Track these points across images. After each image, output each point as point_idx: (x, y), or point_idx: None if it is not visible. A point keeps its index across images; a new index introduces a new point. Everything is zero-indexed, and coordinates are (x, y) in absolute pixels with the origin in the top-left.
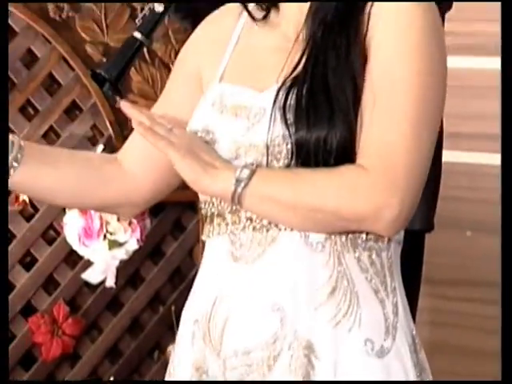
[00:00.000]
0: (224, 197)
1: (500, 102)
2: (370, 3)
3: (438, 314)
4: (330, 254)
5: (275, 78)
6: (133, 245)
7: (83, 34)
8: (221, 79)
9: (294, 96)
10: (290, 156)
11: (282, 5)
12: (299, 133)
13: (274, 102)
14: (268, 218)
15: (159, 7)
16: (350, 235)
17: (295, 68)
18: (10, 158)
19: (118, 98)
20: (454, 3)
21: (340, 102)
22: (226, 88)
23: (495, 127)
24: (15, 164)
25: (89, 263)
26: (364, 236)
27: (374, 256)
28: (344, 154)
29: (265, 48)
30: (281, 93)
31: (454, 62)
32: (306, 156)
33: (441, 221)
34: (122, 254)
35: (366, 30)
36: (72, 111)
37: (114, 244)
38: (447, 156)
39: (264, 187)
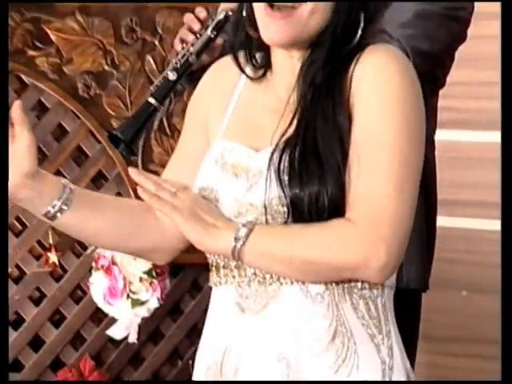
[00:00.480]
0: (226, 254)
1: (497, 172)
2: (352, 66)
3: (436, 369)
4: (329, 304)
5: (269, 138)
6: (154, 303)
7: (109, 110)
8: (223, 135)
9: (287, 158)
10: (286, 215)
11: (275, 65)
12: (293, 192)
13: (269, 164)
14: (267, 271)
15: (172, 75)
16: (346, 285)
17: (286, 130)
18: (60, 201)
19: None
20: (450, 77)
21: (329, 163)
22: (227, 145)
23: (490, 195)
24: (65, 207)
25: (113, 320)
26: (359, 285)
27: (369, 303)
28: (335, 209)
29: (261, 107)
30: (275, 155)
31: (451, 135)
32: (301, 213)
33: (437, 281)
34: (143, 311)
35: (349, 93)
36: (98, 180)
37: (137, 302)
38: (444, 221)
39: (261, 243)
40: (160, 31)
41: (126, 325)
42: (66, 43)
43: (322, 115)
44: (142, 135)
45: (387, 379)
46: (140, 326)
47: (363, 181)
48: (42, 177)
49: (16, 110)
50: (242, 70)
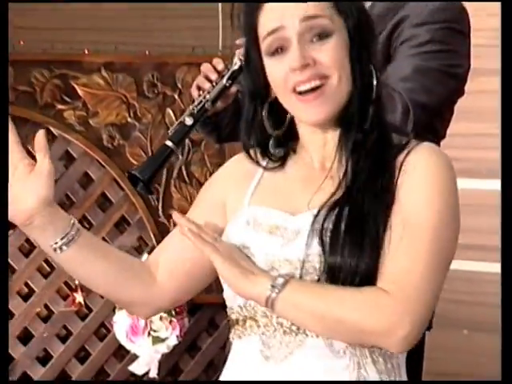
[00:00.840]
0: (259, 300)
1: (496, 217)
2: (403, 156)
3: None
4: (350, 359)
5: (305, 203)
6: (173, 340)
7: (132, 159)
8: (250, 203)
9: (333, 219)
10: (320, 272)
11: (305, 140)
12: (333, 255)
13: (313, 222)
14: (297, 324)
15: (189, 121)
16: (375, 347)
17: (335, 193)
18: (70, 234)
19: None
20: (450, 129)
21: (372, 235)
22: (258, 210)
23: (490, 239)
24: (72, 241)
25: (135, 357)
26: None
27: (387, 359)
28: (368, 277)
29: (289, 177)
30: (320, 215)
31: None
32: (336, 275)
33: (441, 320)
34: (163, 348)
35: (398, 176)
36: (121, 225)
37: (157, 340)
38: None
39: (296, 296)
40: (179, 86)
41: (147, 361)
42: (92, 97)
43: (370, 189)
44: (159, 175)
45: None
46: (160, 362)
47: (402, 258)
48: (56, 208)
49: (40, 139)
50: (259, 164)
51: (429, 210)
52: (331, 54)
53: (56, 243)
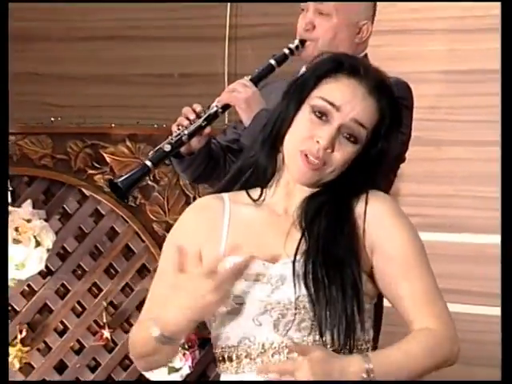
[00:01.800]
0: (356, 377)
1: (460, 264)
2: (363, 205)
3: None
4: None
5: (279, 250)
6: (186, 370)
7: (151, 216)
8: (228, 253)
9: (311, 266)
10: (310, 310)
11: (278, 190)
12: (317, 293)
13: (294, 270)
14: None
15: (167, 148)
16: None
17: (309, 243)
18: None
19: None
20: (423, 190)
21: (347, 273)
22: (238, 260)
23: (449, 284)
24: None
25: None
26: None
27: None
28: (352, 311)
29: (257, 223)
30: (298, 265)
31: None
32: (323, 308)
33: None
34: (177, 377)
35: (364, 224)
36: (142, 272)
37: (172, 369)
38: None
39: (385, 373)
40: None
41: None
42: (118, 164)
43: (337, 238)
44: (135, 187)
45: None
46: None
47: (415, 290)
48: None
49: (237, 270)
50: (251, 199)
51: (412, 248)
52: (344, 156)
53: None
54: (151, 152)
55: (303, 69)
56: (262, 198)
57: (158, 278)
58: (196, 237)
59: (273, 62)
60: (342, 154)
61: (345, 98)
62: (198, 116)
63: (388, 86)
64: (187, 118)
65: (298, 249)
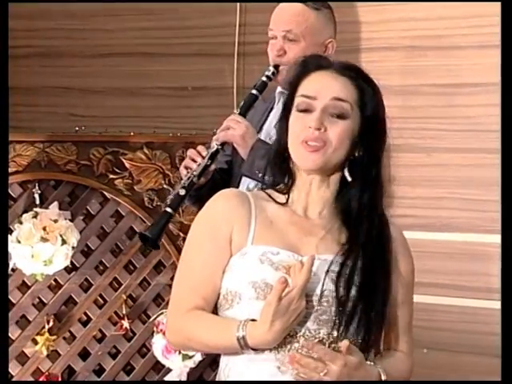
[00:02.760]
0: (371, 378)
1: (449, 261)
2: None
3: None
4: None
5: (304, 246)
6: (198, 357)
7: None
8: (255, 242)
9: (347, 269)
10: (332, 304)
11: (296, 190)
12: (346, 299)
13: (328, 268)
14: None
15: (182, 192)
16: None
17: (352, 242)
18: None
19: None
20: (412, 193)
21: (380, 285)
22: (268, 249)
23: (442, 279)
24: None
25: (169, 370)
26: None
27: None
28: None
29: (276, 218)
30: (333, 264)
31: (413, 234)
32: (346, 306)
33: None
34: (191, 363)
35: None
36: (159, 267)
37: (186, 357)
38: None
39: (389, 372)
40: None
41: (178, 373)
42: (136, 169)
43: (378, 246)
44: (162, 234)
45: None
46: (188, 374)
47: (409, 314)
48: None
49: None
50: (273, 199)
51: (413, 278)
52: (337, 131)
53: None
54: (168, 198)
55: (278, 89)
56: (290, 200)
57: (192, 256)
58: (229, 221)
59: (254, 91)
60: (336, 130)
61: (318, 87)
62: (202, 156)
63: (355, 66)
64: (193, 160)
65: (339, 250)
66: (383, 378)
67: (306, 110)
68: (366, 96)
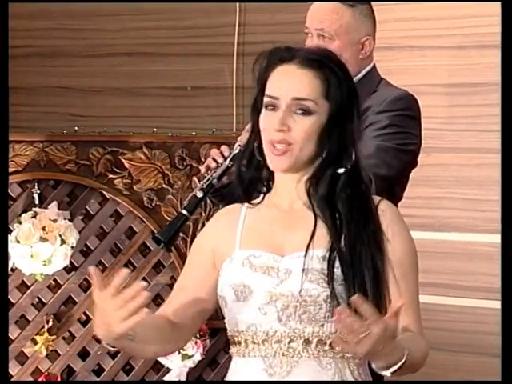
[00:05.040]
0: (395, 362)
1: (447, 261)
2: (375, 204)
3: None
4: (335, 370)
5: (287, 244)
6: (198, 357)
7: (166, 216)
8: (240, 247)
9: (332, 263)
10: (326, 300)
11: (278, 188)
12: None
13: (304, 264)
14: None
15: (200, 194)
16: (346, 356)
17: (311, 238)
18: (128, 339)
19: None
20: (412, 193)
21: (368, 266)
22: (251, 252)
23: (438, 279)
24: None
25: (168, 370)
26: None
27: (359, 368)
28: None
29: (264, 217)
30: (308, 258)
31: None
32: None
33: None
34: (190, 363)
35: (379, 222)
36: (158, 267)
37: (185, 357)
38: None
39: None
40: (203, 159)
41: (177, 373)
42: (136, 169)
43: (361, 233)
44: (177, 237)
45: None
46: (188, 374)
47: (408, 293)
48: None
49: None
50: (248, 201)
51: (411, 256)
52: (303, 128)
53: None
54: (186, 199)
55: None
56: (263, 200)
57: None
58: (212, 237)
59: None
60: (301, 128)
61: (279, 86)
62: (224, 157)
63: (322, 53)
64: (215, 161)
65: (309, 244)
66: (405, 355)
67: (273, 109)
68: (332, 86)
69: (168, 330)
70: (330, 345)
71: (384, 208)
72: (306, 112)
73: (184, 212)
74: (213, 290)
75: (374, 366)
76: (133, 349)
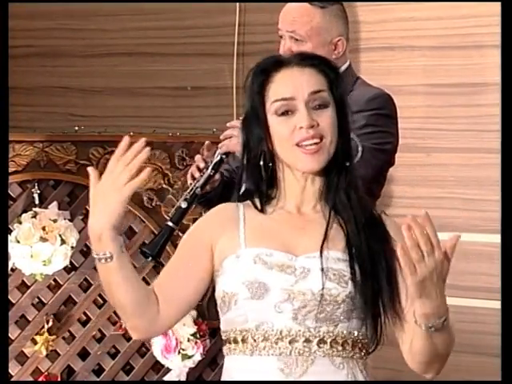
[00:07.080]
0: (441, 314)
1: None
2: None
3: None
4: (347, 370)
5: (299, 245)
6: (198, 357)
7: (166, 216)
8: (247, 245)
9: (345, 263)
10: (337, 298)
11: (285, 188)
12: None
13: (322, 264)
14: (434, 350)
15: (184, 205)
16: (356, 356)
17: (325, 238)
18: (119, 247)
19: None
20: (407, 192)
21: (386, 273)
22: (259, 250)
23: None
24: (122, 252)
25: (168, 370)
26: (364, 357)
27: (366, 368)
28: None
29: (269, 219)
30: (328, 259)
31: None
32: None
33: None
34: (190, 363)
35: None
36: (158, 267)
37: (185, 356)
38: None
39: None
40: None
41: (177, 373)
42: None
43: (373, 234)
44: (164, 249)
45: None
46: (188, 374)
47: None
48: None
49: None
50: (258, 209)
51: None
52: (328, 121)
53: (105, 254)
54: (171, 212)
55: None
56: (269, 203)
57: (172, 258)
58: (211, 233)
59: None
60: (325, 121)
61: (291, 87)
62: (207, 165)
63: (311, 54)
64: (198, 168)
65: (322, 245)
66: (448, 313)
67: (287, 113)
68: (332, 80)
69: (145, 299)
70: (342, 345)
71: (383, 217)
72: (323, 105)
73: (170, 224)
74: (200, 284)
75: (417, 316)
76: (115, 283)
